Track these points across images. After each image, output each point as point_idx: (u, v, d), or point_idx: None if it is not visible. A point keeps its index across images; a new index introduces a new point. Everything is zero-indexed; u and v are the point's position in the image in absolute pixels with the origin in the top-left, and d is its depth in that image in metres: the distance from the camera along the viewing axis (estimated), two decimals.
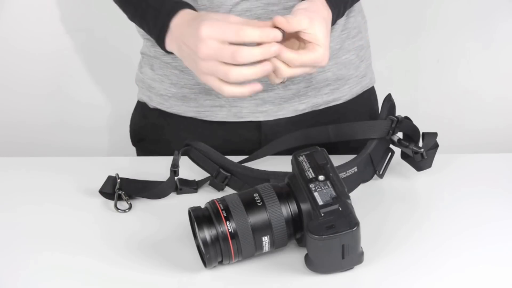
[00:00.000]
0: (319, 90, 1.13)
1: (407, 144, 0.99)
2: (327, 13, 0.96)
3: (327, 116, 1.14)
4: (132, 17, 1.05)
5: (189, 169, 1.02)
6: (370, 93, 1.21)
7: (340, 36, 1.12)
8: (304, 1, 0.96)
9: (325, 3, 0.97)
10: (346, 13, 1.12)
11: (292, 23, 0.89)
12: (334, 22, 1.00)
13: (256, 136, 1.13)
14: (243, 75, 0.87)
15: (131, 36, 1.23)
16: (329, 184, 0.81)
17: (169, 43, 0.96)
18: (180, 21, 0.94)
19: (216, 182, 0.99)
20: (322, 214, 0.77)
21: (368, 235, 0.81)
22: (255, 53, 0.86)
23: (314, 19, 0.91)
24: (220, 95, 1.10)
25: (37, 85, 1.77)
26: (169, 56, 1.11)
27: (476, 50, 1.78)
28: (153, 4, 0.98)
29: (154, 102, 1.17)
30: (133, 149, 1.27)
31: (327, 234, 0.76)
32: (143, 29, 1.03)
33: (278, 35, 0.87)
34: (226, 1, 1.03)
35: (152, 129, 1.20)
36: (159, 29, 0.96)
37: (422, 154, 0.98)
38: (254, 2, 1.03)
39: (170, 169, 0.97)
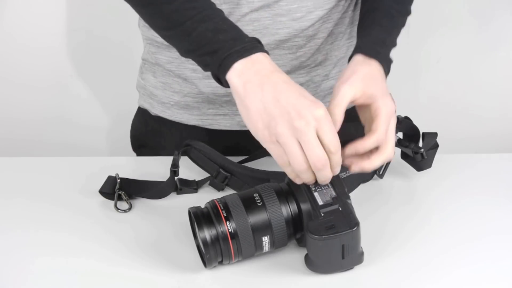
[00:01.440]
0: (323, 98, 1.13)
1: (407, 144, 0.99)
2: (367, 67, 0.90)
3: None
4: (185, 32, 0.87)
5: (189, 169, 1.02)
6: None
7: (345, 44, 1.13)
8: (344, 70, 0.91)
9: (361, 59, 0.91)
10: (351, 21, 1.11)
11: (338, 120, 0.83)
12: (386, 58, 0.94)
13: (259, 145, 1.13)
14: (308, 178, 0.81)
15: (133, 35, 1.23)
16: (329, 184, 0.81)
17: (240, 69, 0.82)
18: (265, 60, 0.83)
19: (216, 182, 0.99)
20: (322, 214, 0.77)
21: (368, 235, 0.81)
22: (327, 178, 0.80)
23: (354, 83, 0.86)
24: (223, 104, 1.10)
25: (38, 84, 1.77)
26: (172, 64, 1.10)
27: (476, 50, 1.77)
28: (228, 29, 0.85)
29: (156, 110, 1.17)
30: (132, 149, 1.27)
31: (327, 234, 0.76)
32: (191, 44, 0.87)
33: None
34: (235, 11, 1.02)
35: (153, 137, 1.20)
36: (235, 52, 0.82)
37: (422, 154, 0.98)
38: (263, 12, 1.02)
39: (170, 169, 0.97)
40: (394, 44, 0.99)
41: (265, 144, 0.81)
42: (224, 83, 0.84)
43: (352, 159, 0.85)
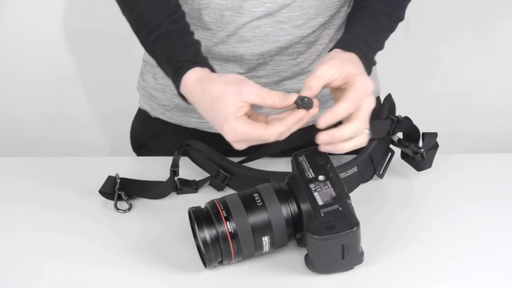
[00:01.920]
0: (324, 104, 1.12)
1: (407, 144, 0.99)
2: (347, 55, 0.91)
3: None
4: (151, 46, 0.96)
5: (189, 169, 1.02)
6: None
7: None
8: (321, 59, 0.92)
9: (340, 50, 0.92)
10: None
11: (315, 85, 0.84)
12: (367, 56, 0.94)
13: (258, 147, 1.12)
14: (281, 133, 0.83)
15: (134, 36, 1.22)
16: (329, 184, 0.81)
17: (185, 95, 0.90)
18: (190, 80, 0.88)
19: (216, 182, 0.99)
20: (322, 214, 0.77)
21: (368, 235, 0.81)
22: (284, 131, 0.83)
23: (333, 64, 0.86)
24: None
25: (38, 84, 1.77)
26: None
27: (476, 50, 1.77)
28: (164, 55, 0.93)
29: (156, 112, 1.17)
30: (132, 149, 1.26)
31: (327, 234, 0.76)
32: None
33: (290, 99, 0.83)
34: (236, 19, 1.02)
35: (153, 139, 1.19)
36: (174, 78, 0.91)
37: (422, 154, 0.98)
38: (264, 19, 1.02)
39: (170, 169, 0.97)
40: (379, 46, 0.99)
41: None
42: None
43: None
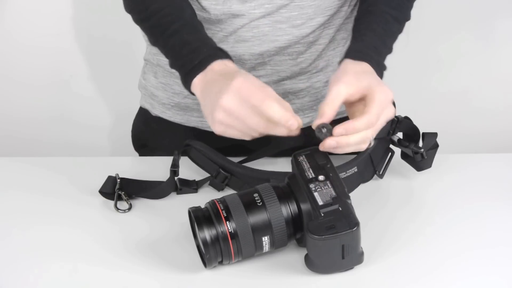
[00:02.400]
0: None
1: (407, 144, 0.99)
2: (359, 66, 0.91)
3: None
4: (162, 46, 0.98)
5: (189, 169, 1.02)
6: None
7: None
8: (334, 73, 0.91)
9: (351, 61, 0.92)
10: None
11: (332, 108, 0.83)
12: (378, 63, 0.95)
13: (258, 146, 1.13)
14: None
15: (136, 35, 1.23)
16: (329, 184, 0.81)
17: (197, 83, 0.90)
18: (218, 67, 0.89)
19: (216, 182, 0.99)
20: (322, 214, 0.77)
21: (368, 235, 0.81)
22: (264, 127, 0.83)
23: (348, 81, 0.85)
24: None
25: (40, 84, 1.77)
26: None
27: (476, 50, 1.77)
28: (192, 41, 0.92)
29: (157, 111, 1.17)
30: (133, 148, 1.27)
31: (327, 234, 0.76)
32: (168, 57, 0.97)
33: (294, 125, 0.81)
34: (235, 21, 1.02)
35: (153, 137, 1.20)
36: (193, 67, 0.90)
37: (422, 154, 0.98)
38: (262, 19, 1.02)
39: (170, 169, 0.97)
40: (388, 50, 0.98)
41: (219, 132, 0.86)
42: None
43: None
